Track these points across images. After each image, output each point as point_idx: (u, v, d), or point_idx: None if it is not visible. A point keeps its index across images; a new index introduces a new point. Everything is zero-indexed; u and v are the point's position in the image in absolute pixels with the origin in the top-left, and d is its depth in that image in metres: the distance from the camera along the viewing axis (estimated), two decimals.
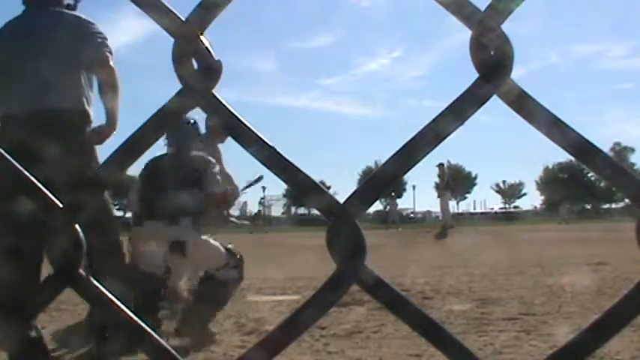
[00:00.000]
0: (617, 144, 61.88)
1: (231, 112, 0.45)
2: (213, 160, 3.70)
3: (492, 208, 65.75)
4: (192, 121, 3.72)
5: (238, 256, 3.57)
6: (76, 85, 2.92)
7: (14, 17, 3.07)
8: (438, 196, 16.40)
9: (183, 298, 3.71)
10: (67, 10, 3.02)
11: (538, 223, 28.66)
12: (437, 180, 16.16)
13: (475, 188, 68.56)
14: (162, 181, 3.54)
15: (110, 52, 2.99)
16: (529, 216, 54.13)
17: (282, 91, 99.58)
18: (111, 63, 2.95)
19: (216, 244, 3.56)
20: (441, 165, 16.02)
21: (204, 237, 3.53)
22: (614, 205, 59.05)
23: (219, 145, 4.90)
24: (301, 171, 0.45)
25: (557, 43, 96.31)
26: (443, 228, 15.52)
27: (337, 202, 0.45)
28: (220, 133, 4.61)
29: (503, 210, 65.81)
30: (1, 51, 3.00)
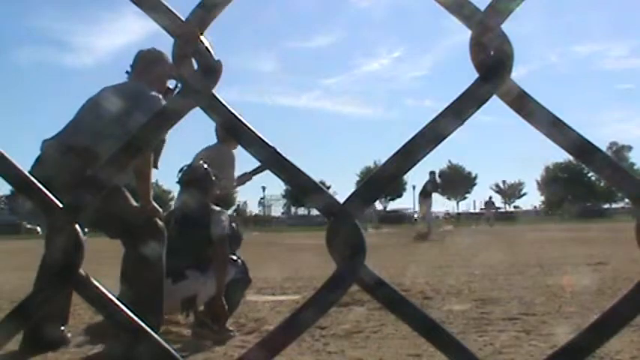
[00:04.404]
0: (614, 143, 61.81)
1: (231, 112, 0.45)
2: (220, 209, 3.67)
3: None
4: (204, 167, 3.67)
5: (240, 262, 3.64)
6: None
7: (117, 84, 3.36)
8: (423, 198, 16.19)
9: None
10: (151, 92, 3.19)
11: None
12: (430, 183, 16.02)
13: (475, 188, 68.65)
14: (172, 233, 3.49)
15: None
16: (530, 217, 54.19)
17: (283, 91, 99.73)
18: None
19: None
20: (432, 173, 15.93)
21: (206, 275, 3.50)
22: (614, 205, 59.02)
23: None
24: (301, 171, 0.45)
25: (557, 43, 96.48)
26: (426, 229, 15.49)
27: (337, 202, 0.45)
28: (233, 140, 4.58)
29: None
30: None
